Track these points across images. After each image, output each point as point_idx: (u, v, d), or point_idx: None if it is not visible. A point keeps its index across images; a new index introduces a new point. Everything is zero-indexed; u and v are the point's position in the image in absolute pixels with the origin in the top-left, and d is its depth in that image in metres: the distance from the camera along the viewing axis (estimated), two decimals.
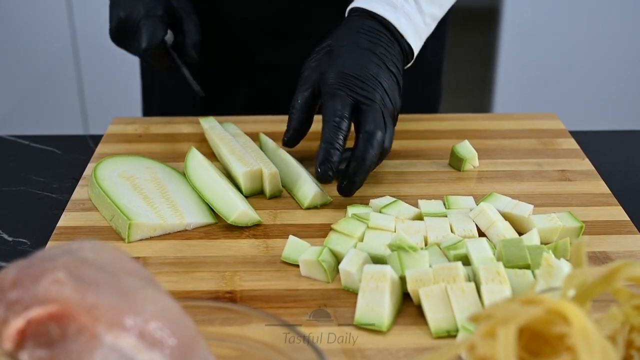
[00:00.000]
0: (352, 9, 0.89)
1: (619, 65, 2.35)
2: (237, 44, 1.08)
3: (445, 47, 1.18)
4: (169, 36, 0.96)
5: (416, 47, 0.87)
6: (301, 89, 0.84)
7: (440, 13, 0.90)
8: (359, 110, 0.80)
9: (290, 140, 0.86)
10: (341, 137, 0.79)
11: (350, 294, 0.69)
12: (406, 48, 0.87)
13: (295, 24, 1.05)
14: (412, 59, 0.88)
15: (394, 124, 0.84)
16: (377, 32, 0.85)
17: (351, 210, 0.80)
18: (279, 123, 0.99)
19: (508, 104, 2.41)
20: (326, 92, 0.81)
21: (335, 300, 0.68)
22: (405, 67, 0.89)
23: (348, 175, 0.80)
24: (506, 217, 0.78)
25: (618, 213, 0.82)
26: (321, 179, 0.79)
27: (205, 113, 1.01)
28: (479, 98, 2.89)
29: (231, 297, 0.69)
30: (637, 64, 2.35)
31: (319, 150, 0.79)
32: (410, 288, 0.66)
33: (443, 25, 1.04)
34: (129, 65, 2.32)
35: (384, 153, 0.81)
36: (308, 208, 0.83)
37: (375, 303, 0.64)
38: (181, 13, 0.95)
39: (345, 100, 0.80)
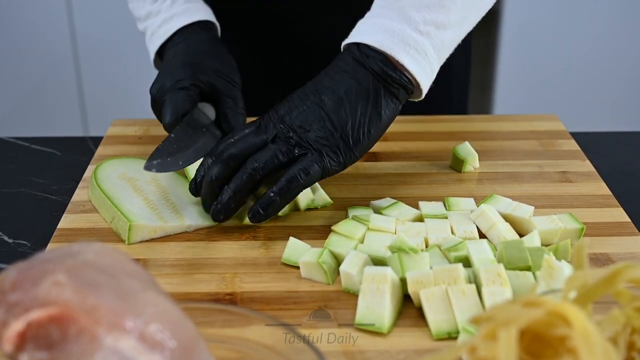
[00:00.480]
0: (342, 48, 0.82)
1: (619, 66, 2.35)
2: (260, 55, 1.09)
3: (471, 50, 1.17)
4: (204, 109, 0.88)
5: (411, 61, 0.76)
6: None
7: (444, 18, 0.77)
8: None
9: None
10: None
11: (351, 296, 0.68)
12: (389, 73, 0.77)
13: (318, 37, 1.06)
14: (415, 79, 0.77)
15: (322, 160, 0.76)
16: (344, 70, 0.78)
17: (351, 212, 0.80)
18: None
19: (508, 105, 2.41)
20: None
21: (336, 302, 0.68)
22: (422, 91, 0.79)
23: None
24: (507, 218, 0.78)
25: (619, 214, 0.82)
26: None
27: None
28: (479, 99, 2.89)
29: (231, 299, 0.69)
30: (638, 65, 2.35)
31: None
32: (410, 290, 0.66)
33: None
34: (129, 67, 2.32)
35: (287, 179, 0.75)
36: (308, 209, 0.83)
37: (376, 305, 0.64)
38: (219, 90, 0.88)
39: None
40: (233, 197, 0.76)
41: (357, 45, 0.78)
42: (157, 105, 0.88)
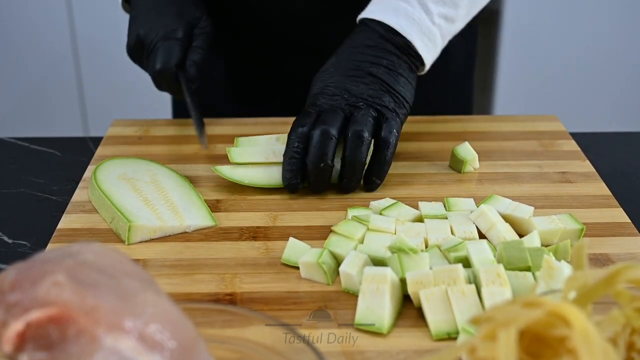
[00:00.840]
0: (359, 21, 0.90)
1: (619, 66, 2.35)
2: (264, 55, 1.10)
3: (476, 52, 1.19)
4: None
5: (423, 47, 0.87)
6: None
7: (454, 13, 0.89)
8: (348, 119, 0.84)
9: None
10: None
11: (351, 296, 0.68)
12: (410, 49, 0.87)
13: (318, 38, 1.07)
14: (423, 60, 0.88)
15: (398, 116, 0.85)
16: (375, 44, 0.87)
17: (351, 212, 0.80)
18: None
19: (509, 106, 2.41)
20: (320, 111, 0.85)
21: (336, 302, 0.68)
22: (425, 69, 0.90)
23: (345, 178, 0.83)
24: (507, 219, 0.78)
25: (619, 215, 0.82)
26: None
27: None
28: (479, 100, 2.88)
29: (231, 299, 0.69)
30: (638, 66, 2.35)
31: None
32: (410, 290, 0.66)
33: (474, 29, 1.04)
34: (129, 67, 2.32)
35: (386, 145, 0.83)
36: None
37: (376, 305, 0.64)
38: (194, 40, 0.94)
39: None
40: (355, 168, 0.82)
41: (379, 23, 0.87)
42: (142, 48, 0.91)
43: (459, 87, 1.17)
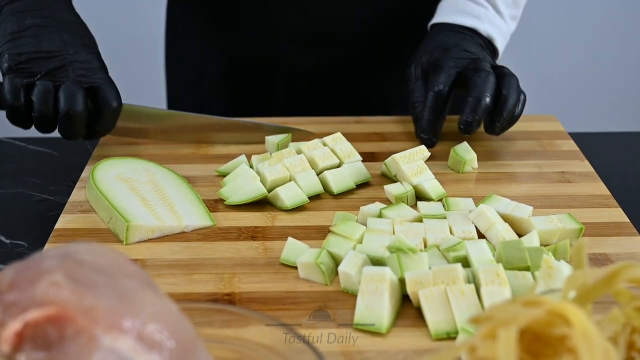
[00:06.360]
0: (435, 25, 0.99)
1: (618, 67, 2.35)
2: (272, 49, 1.10)
3: None
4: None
5: (501, 47, 1.00)
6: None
7: (518, 12, 1.02)
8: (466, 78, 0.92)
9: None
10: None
11: (350, 296, 0.68)
12: (491, 48, 0.99)
13: (327, 31, 1.08)
14: (497, 57, 1.00)
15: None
16: (462, 32, 0.96)
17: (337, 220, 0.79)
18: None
19: None
20: (432, 69, 0.94)
21: (335, 302, 0.68)
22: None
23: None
24: (506, 218, 0.78)
25: (618, 214, 0.82)
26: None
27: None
28: None
29: (230, 299, 0.69)
30: (636, 66, 2.36)
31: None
32: (409, 290, 0.66)
33: None
34: (127, 68, 2.32)
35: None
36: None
37: (375, 305, 0.64)
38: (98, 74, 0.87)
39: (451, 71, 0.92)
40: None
41: (463, 27, 0.97)
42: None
43: None
